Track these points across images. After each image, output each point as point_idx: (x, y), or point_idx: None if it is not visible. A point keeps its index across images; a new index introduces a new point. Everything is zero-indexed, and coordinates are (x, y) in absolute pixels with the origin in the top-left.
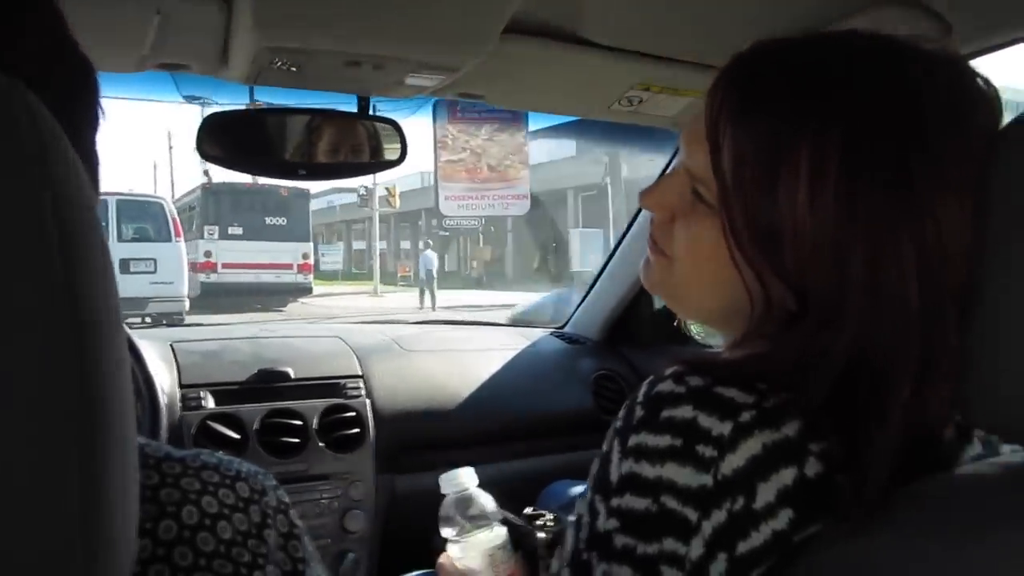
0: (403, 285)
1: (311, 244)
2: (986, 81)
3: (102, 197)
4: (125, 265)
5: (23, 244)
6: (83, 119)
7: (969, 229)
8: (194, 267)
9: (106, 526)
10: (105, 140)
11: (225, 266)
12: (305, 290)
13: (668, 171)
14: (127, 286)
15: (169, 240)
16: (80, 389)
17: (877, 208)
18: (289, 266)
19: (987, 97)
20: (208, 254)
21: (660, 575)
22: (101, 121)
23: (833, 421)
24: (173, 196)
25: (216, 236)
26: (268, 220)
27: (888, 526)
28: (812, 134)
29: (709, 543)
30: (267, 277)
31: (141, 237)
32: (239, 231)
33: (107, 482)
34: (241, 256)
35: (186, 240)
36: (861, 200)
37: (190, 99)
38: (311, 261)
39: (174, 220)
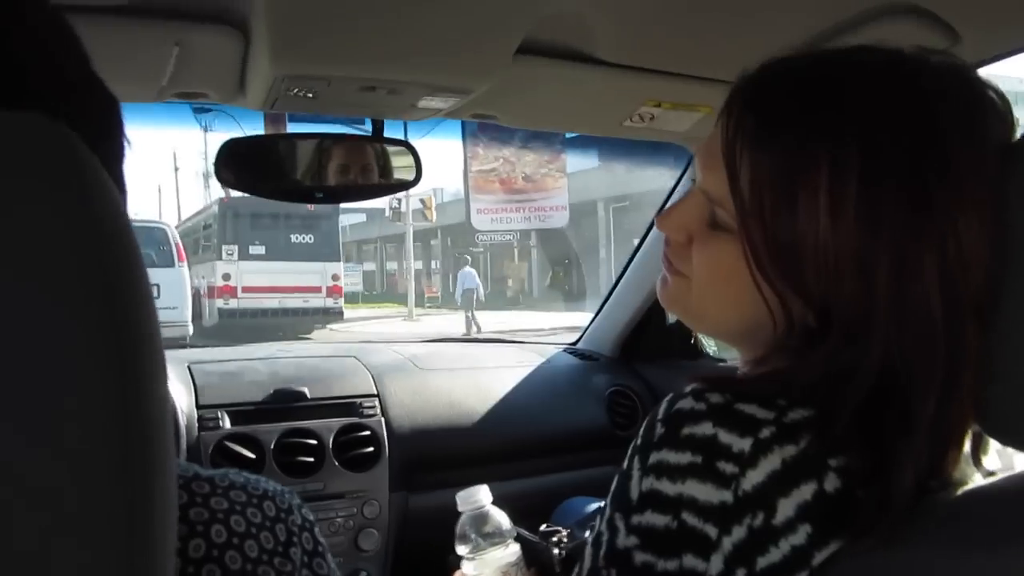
0: (430, 307)
1: (341, 264)
2: (998, 93)
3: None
4: None
5: (77, 278)
6: (112, 153)
7: (987, 242)
8: (212, 292)
9: (151, 547)
10: None
11: (246, 290)
12: (335, 315)
13: (683, 193)
14: None
15: (172, 265)
16: (127, 415)
17: (898, 223)
18: (318, 289)
19: (999, 109)
20: (227, 277)
21: None
22: (127, 152)
23: (855, 435)
24: (180, 218)
25: (235, 256)
26: (294, 238)
27: (906, 540)
28: (829, 154)
29: (728, 559)
30: (293, 302)
31: (145, 262)
32: (261, 250)
33: (153, 503)
34: (264, 279)
35: (202, 262)
36: (883, 217)
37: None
38: (342, 283)
39: (177, 245)
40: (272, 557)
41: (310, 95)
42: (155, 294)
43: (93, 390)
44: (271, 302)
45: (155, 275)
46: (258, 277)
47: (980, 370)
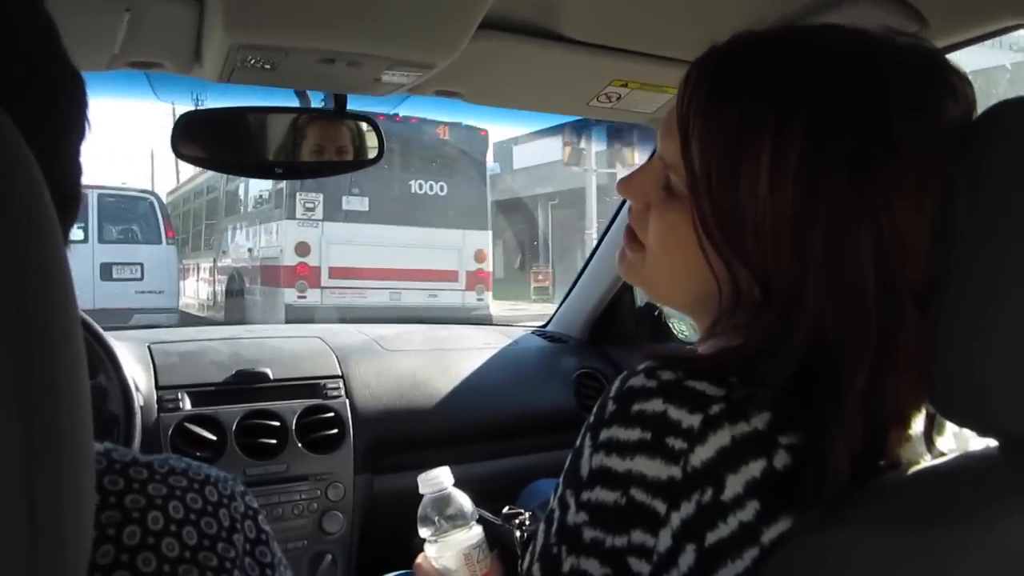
0: (538, 299)
1: (488, 233)
2: (960, 76)
3: (83, 191)
4: (107, 270)
5: None
6: (69, 128)
7: (929, 228)
8: (276, 275)
9: (55, 534)
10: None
11: (336, 273)
12: (479, 319)
13: (646, 162)
14: (108, 294)
15: (159, 242)
16: (28, 399)
17: (835, 198)
18: (452, 275)
19: (959, 92)
20: (304, 249)
21: (628, 567)
22: (87, 132)
23: (804, 412)
24: (178, 182)
25: (318, 214)
26: (415, 186)
27: (854, 520)
28: (774, 124)
29: (677, 535)
30: (414, 298)
31: (126, 238)
32: (362, 205)
33: (58, 487)
34: (365, 255)
35: (266, 220)
36: (820, 190)
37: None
38: (488, 265)
39: (165, 219)
40: (214, 543)
41: (267, 66)
42: (138, 274)
43: None
44: (380, 296)
45: (139, 252)
46: (356, 253)
47: (923, 351)
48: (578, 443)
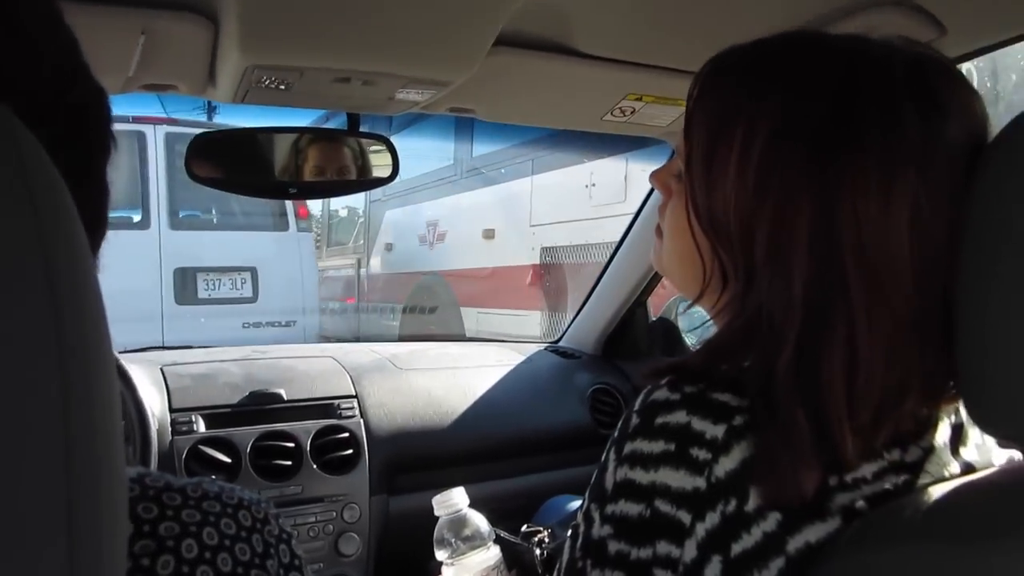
0: None
1: None
2: (968, 89)
3: (142, 127)
4: (188, 282)
5: (5, 270)
6: (94, 146)
7: (905, 230)
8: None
9: (94, 563)
10: None
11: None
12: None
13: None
14: (190, 328)
15: (283, 227)
16: (64, 422)
17: (790, 183)
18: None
19: (966, 107)
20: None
21: None
22: (113, 151)
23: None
24: None
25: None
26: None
27: (895, 535)
28: (747, 114)
29: (702, 545)
30: (504, 322)
31: (223, 223)
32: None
33: (96, 517)
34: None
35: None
36: (776, 175)
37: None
38: None
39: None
40: (248, 569)
41: (282, 87)
42: (245, 290)
43: (30, 389)
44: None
45: (246, 248)
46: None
47: (876, 336)
48: (603, 458)
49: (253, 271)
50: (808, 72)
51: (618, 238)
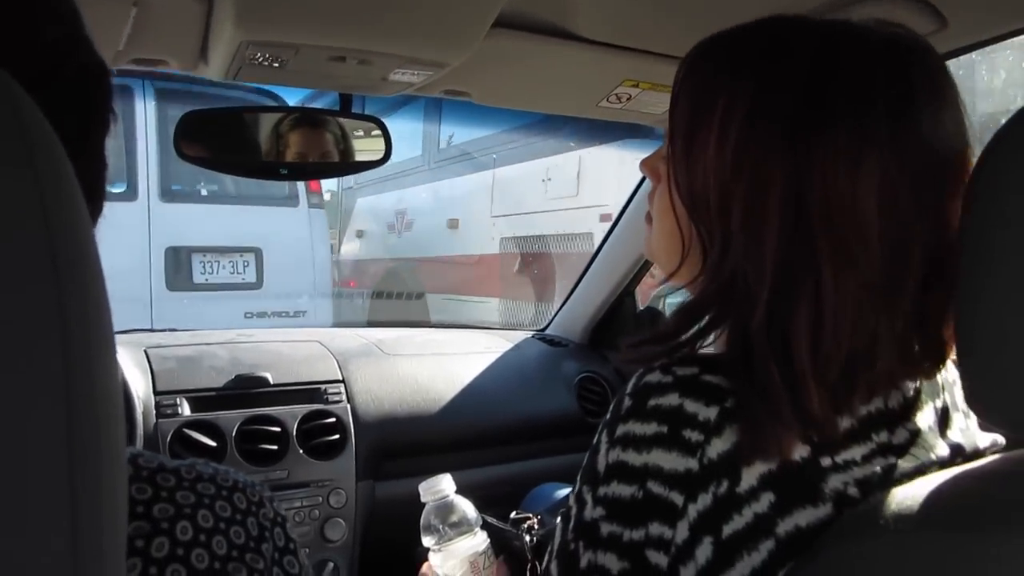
0: None
1: None
2: (945, 73)
3: (128, 81)
4: (182, 264)
5: (7, 245)
6: (93, 120)
7: (866, 202)
8: None
9: (96, 543)
10: None
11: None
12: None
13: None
14: (185, 317)
15: (292, 203)
16: (68, 403)
17: (762, 160)
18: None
19: (939, 90)
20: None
21: (646, 561)
22: (112, 125)
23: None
24: None
25: None
26: None
27: (890, 524)
28: (726, 94)
29: (695, 527)
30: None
31: (222, 195)
32: None
33: (98, 497)
34: None
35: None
36: (751, 153)
37: None
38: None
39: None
40: (243, 553)
41: (276, 64)
42: (250, 274)
43: (33, 368)
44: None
45: (249, 225)
46: None
47: (844, 302)
48: (595, 440)
49: (257, 252)
50: (784, 54)
51: (571, 230)
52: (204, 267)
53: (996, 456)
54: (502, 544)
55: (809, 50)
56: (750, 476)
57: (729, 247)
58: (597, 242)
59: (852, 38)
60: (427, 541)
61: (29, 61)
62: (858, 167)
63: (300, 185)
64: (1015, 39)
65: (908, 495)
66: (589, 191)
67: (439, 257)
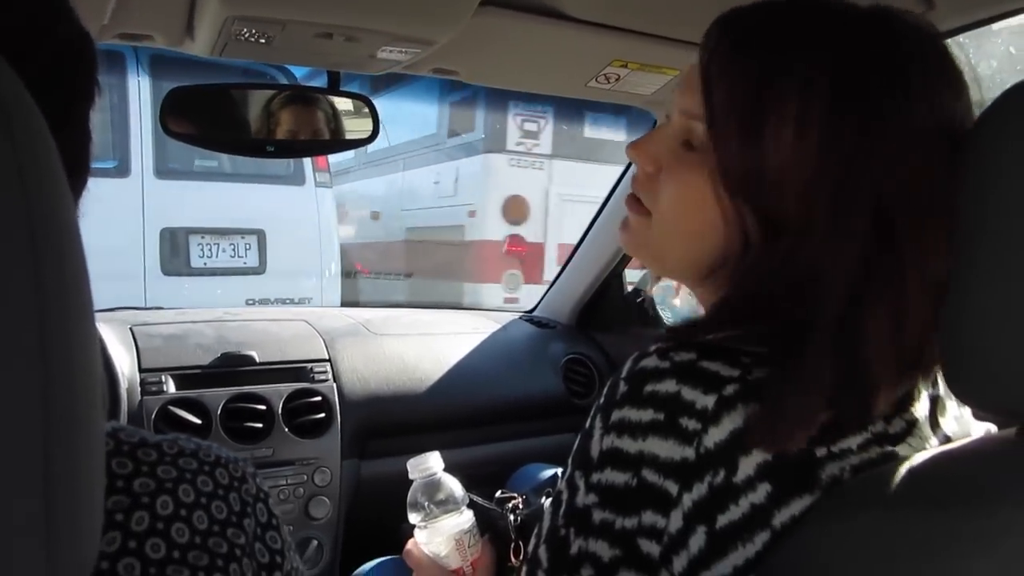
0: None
1: None
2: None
3: (119, 46)
4: (180, 246)
5: None
6: (76, 92)
7: (934, 190)
8: (464, 258)
9: (71, 507)
10: None
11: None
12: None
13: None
14: (166, 297)
15: (298, 181)
16: (44, 371)
17: (851, 148)
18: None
19: (960, 76)
20: (519, 210)
21: (637, 549)
22: (97, 97)
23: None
24: None
25: (545, 146)
26: None
27: (870, 505)
28: (800, 82)
29: (688, 516)
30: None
31: (221, 172)
32: (614, 131)
33: (74, 461)
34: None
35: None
36: (840, 139)
37: None
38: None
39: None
40: (225, 528)
41: (262, 40)
42: (252, 259)
43: (9, 336)
44: None
45: (251, 205)
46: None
47: (903, 302)
48: (587, 424)
49: (260, 234)
50: (850, 36)
51: (450, 223)
52: (202, 250)
53: (973, 438)
54: (487, 523)
55: (876, 35)
56: (747, 466)
57: (805, 237)
58: (467, 233)
59: (912, 26)
60: (413, 518)
61: (9, 31)
62: (932, 154)
63: (306, 162)
64: (1005, 24)
65: (887, 476)
66: (463, 193)
67: (369, 243)
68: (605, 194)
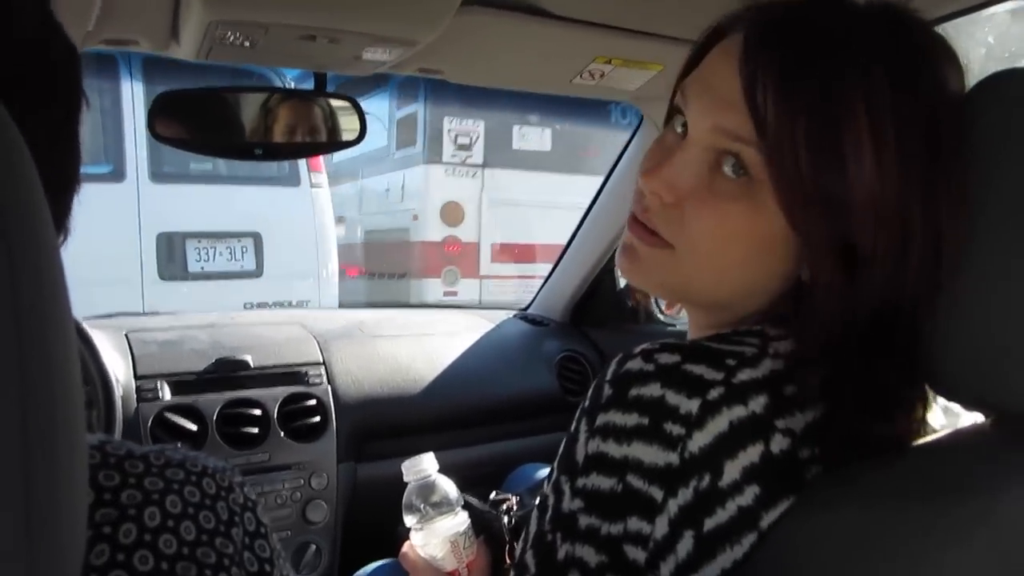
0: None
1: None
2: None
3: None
4: (176, 250)
5: None
6: (67, 107)
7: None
8: (407, 257)
9: (53, 521)
10: None
11: (503, 255)
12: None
13: (662, 145)
14: (164, 303)
15: (294, 182)
16: (22, 384)
17: (922, 167)
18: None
19: (959, 67)
20: (455, 215)
21: (623, 555)
22: (85, 109)
23: (813, 391)
24: None
25: (478, 156)
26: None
27: (851, 498)
28: (863, 97)
29: (674, 522)
30: None
31: (216, 175)
32: (542, 142)
33: (55, 475)
34: (538, 225)
35: (388, 168)
36: (912, 158)
37: None
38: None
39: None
40: (212, 538)
41: (247, 43)
42: (249, 262)
43: None
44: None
45: (248, 206)
46: (524, 220)
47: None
48: (572, 428)
49: (256, 237)
50: (887, 43)
51: (397, 226)
52: (199, 254)
53: (948, 431)
54: (482, 525)
55: (904, 38)
56: (733, 470)
57: (889, 258)
58: (412, 235)
59: (927, 34)
60: (408, 520)
61: (6, 54)
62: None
63: (301, 163)
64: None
65: (863, 470)
66: (408, 200)
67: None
68: (531, 198)
